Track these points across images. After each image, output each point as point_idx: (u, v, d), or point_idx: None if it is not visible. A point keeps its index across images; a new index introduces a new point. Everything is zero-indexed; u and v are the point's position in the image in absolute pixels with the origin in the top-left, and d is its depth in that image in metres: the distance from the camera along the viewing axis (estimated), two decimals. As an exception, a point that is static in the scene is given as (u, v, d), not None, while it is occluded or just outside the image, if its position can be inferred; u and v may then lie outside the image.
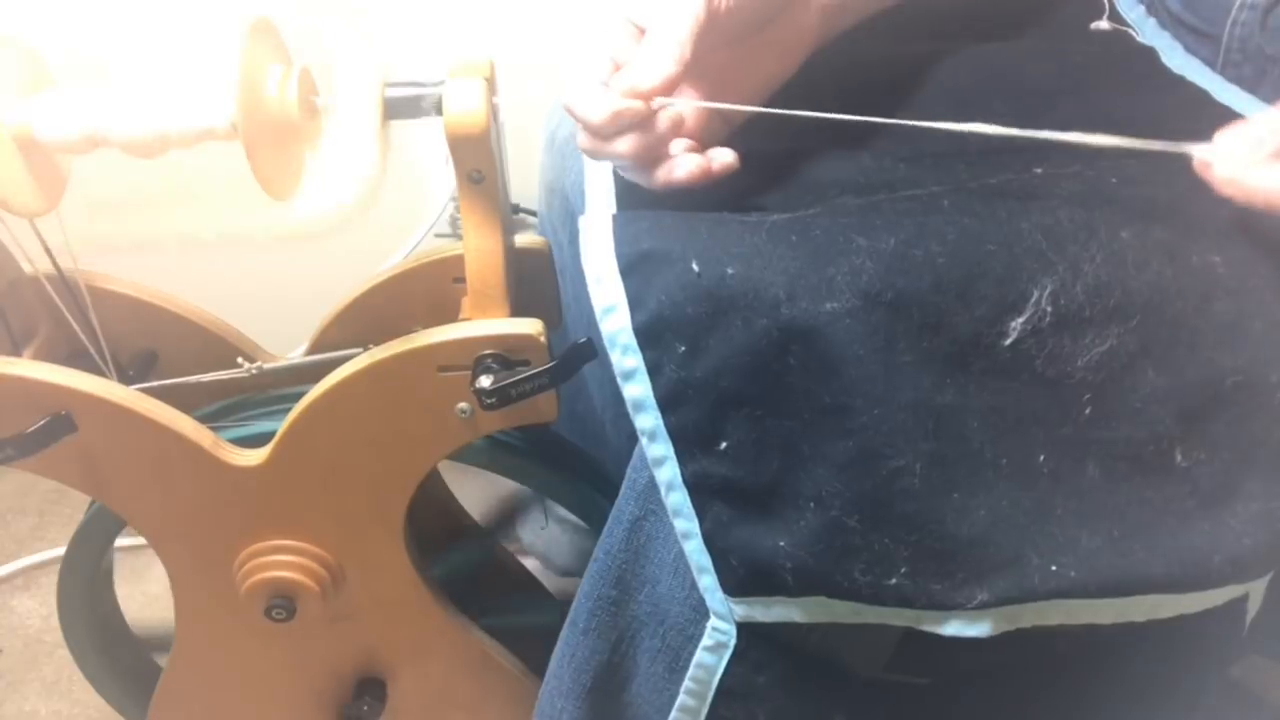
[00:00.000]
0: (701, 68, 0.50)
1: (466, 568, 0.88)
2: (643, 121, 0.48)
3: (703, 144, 0.51)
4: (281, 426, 0.63)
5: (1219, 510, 0.46)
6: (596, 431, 0.83)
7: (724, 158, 0.49)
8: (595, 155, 0.51)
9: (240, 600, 0.68)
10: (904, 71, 0.60)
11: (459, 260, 0.67)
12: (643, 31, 0.50)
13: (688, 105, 0.51)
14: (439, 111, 0.59)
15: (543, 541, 1.09)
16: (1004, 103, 0.57)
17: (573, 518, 1.04)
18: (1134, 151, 0.48)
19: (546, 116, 0.82)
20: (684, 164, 0.49)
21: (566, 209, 0.77)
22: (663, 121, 0.48)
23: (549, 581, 1.01)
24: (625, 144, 0.49)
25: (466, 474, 0.83)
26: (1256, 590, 0.50)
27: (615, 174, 0.56)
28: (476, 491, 1.13)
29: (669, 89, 0.48)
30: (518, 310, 0.63)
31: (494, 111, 0.59)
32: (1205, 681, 0.56)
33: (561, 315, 0.75)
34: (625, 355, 0.46)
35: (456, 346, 0.59)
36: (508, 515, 1.16)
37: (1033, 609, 0.46)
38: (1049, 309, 0.44)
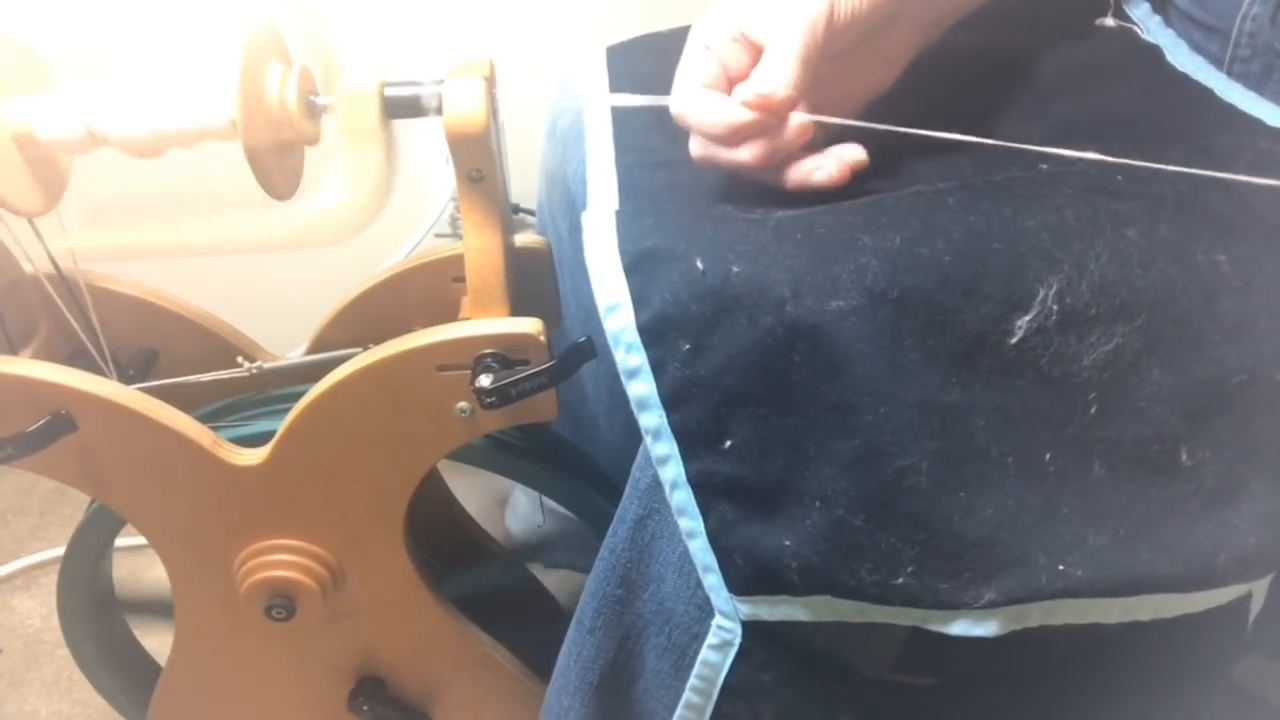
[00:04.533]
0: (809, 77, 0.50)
1: (477, 583, 0.89)
2: (766, 130, 0.48)
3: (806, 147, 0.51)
4: (281, 426, 0.63)
5: (1224, 509, 0.46)
6: (589, 424, 0.82)
7: (855, 155, 0.50)
8: (712, 163, 0.51)
9: (240, 600, 0.68)
10: (908, 66, 0.60)
11: (459, 260, 0.66)
12: (749, 39, 0.50)
13: (821, 120, 0.50)
14: (439, 111, 0.59)
15: (523, 531, 1.09)
16: (1008, 96, 0.57)
17: (560, 509, 1.04)
18: (1139, 150, 0.48)
19: (548, 105, 0.82)
20: (826, 166, 0.49)
21: (567, 199, 0.77)
22: (791, 129, 0.48)
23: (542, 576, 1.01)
24: (749, 152, 0.49)
25: (467, 474, 0.83)
26: (1259, 589, 0.50)
27: (619, 167, 0.56)
28: (477, 492, 1.13)
29: (798, 101, 0.48)
30: (517, 309, 0.63)
31: (494, 111, 0.59)
32: (1210, 681, 0.56)
33: (561, 314, 0.75)
34: (629, 353, 0.46)
35: (456, 346, 0.59)
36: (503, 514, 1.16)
37: (1039, 608, 0.45)
38: (1055, 307, 0.44)
